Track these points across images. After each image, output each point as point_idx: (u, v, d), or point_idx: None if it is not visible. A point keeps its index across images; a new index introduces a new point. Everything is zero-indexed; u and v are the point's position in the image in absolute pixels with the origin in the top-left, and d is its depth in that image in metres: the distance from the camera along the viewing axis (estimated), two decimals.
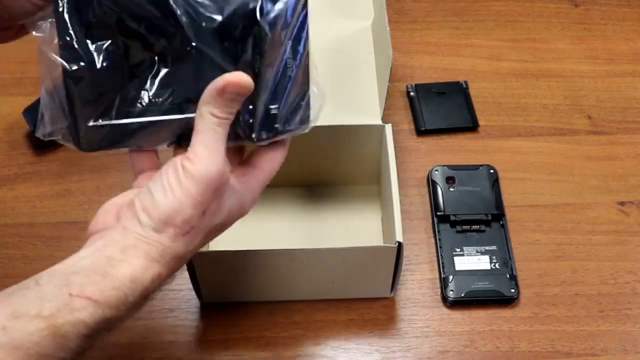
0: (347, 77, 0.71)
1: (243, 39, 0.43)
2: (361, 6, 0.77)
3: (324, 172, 0.73)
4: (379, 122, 0.67)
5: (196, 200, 0.43)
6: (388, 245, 0.60)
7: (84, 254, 0.44)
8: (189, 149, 0.43)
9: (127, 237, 0.43)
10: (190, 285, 0.65)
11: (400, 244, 0.59)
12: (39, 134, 0.47)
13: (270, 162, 0.49)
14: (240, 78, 0.42)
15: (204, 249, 0.67)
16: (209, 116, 0.43)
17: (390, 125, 0.67)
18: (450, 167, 0.76)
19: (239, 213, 0.47)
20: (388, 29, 0.64)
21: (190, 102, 0.45)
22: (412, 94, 0.83)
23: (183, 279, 0.67)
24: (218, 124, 0.43)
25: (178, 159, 0.43)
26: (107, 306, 0.41)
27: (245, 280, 0.65)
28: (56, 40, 0.44)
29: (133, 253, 0.43)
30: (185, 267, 0.61)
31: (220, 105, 0.43)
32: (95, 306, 0.41)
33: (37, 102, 0.78)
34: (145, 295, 0.44)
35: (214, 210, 0.44)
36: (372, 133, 0.68)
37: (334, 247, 0.61)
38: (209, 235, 0.46)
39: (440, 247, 0.70)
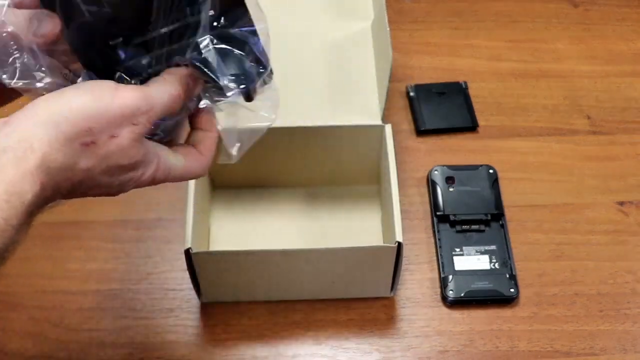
0: (347, 78, 0.71)
1: None
2: (361, 7, 0.77)
3: (324, 172, 0.73)
4: (379, 122, 0.67)
5: (112, 119, 0.39)
6: (388, 245, 0.60)
7: None
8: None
9: (10, 137, 0.38)
10: (191, 285, 0.65)
11: (400, 244, 0.60)
12: None
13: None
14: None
15: (203, 248, 0.67)
16: (169, 77, 0.43)
17: (390, 125, 0.67)
18: (450, 167, 0.76)
19: (142, 175, 0.43)
20: (388, 29, 0.64)
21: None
22: (411, 94, 0.83)
23: (183, 279, 0.67)
24: (171, 84, 0.43)
25: (110, 82, 0.41)
26: None
27: (245, 280, 0.65)
28: None
29: (9, 158, 0.37)
30: (185, 267, 0.61)
31: (183, 76, 0.43)
32: None
33: None
34: (29, 214, 0.38)
35: (124, 144, 0.40)
36: (372, 133, 0.68)
37: (333, 247, 0.61)
38: (104, 170, 0.41)
39: (440, 247, 0.71)
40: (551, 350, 0.65)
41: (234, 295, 0.67)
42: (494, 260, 0.70)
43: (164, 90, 0.43)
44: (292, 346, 0.65)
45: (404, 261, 0.68)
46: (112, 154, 0.40)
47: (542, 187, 0.77)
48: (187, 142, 0.48)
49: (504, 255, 0.70)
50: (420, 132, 0.80)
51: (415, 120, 0.81)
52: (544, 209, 0.75)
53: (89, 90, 0.40)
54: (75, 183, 0.40)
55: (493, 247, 0.71)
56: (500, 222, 0.72)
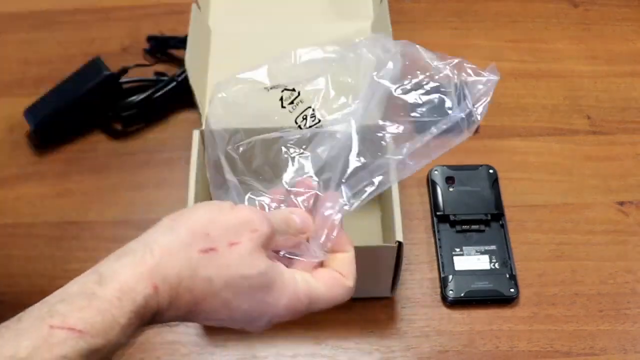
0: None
1: None
2: (361, 7, 0.77)
3: None
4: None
5: (230, 226, 0.40)
6: (388, 244, 0.60)
7: (81, 276, 0.39)
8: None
9: (136, 242, 0.40)
10: None
11: (400, 244, 0.60)
12: None
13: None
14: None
15: None
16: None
17: None
18: (450, 167, 0.76)
19: (283, 301, 0.42)
20: (390, 29, 0.64)
21: None
22: None
23: None
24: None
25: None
26: (91, 335, 0.35)
27: None
28: None
29: (126, 262, 0.38)
30: None
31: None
32: (78, 337, 0.35)
33: (38, 102, 0.79)
34: (139, 316, 0.37)
35: (244, 252, 0.40)
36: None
37: None
38: (227, 284, 0.40)
39: (440, 247, 0.71)
40: (551, 350, 0.65)
41: None
42: (494, 260, 0.70)
43: (282, 212, 0.45)
44: (292, 346, 0.65)
45: (404, 261, 0.68)
46: (233, 262, 0.40)
47: (542, 187, 0.77)
48: (323, 266, 0.46)
49: (504, 255, 0.70)
50: None
51: None
52: (544, 209, 0.75)
53: (210, 204, 0.42)
54: (196, 297, 0.39)
55: (493, 247, 0.71)
56: (500, 222, 0.72)
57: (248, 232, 0.41)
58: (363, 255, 0.61)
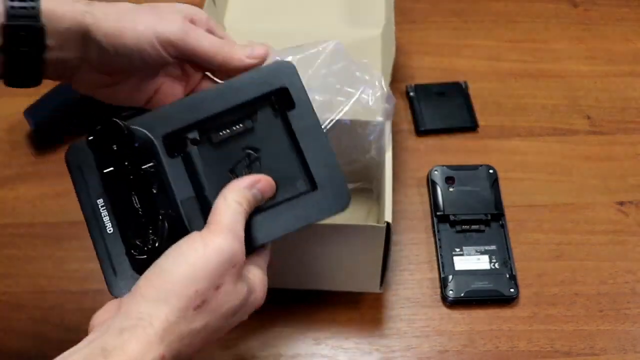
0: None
1: None
2: (374, 15, 0.77)
3: None
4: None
5: (214, 272, 0.41)
6: (376, 225, 0.58)
7: (77, 347, 0.39)
8: (208, 225, 0.43)
9: (127, 319, 0.40)
10: None
11: (388, 225, 0.57)
12: None
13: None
14: (269, 180, 0.47)
15: None
16: (233, 203, 0.44)
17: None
18: (450, 167, 0.76)
19: (254, 300, 0.46)
20: (394, 39, 0.63)
21: None
22: (411, 94, 0.83)
23: None
24: (240, 211, 0.44)
25: (195, 233, 0.43)
26: None
27: None
28: None
29: (131, 335, 0.39)
30: None
31: (244, 197, 0.45)
32: None
33: (38, 102, 0.79)
34: None
35: (230, 289, 0.42)
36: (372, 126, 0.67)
37: (322, 223, 0.59)
38: (219, 319, 0.43)
39: (440, 247, 0.71)
40: (551, 350, 0.65)
41: None
42: (494, 260, 0.70)
43: (234, 213, 0.44)
44: (292, 346, 0.65)
45: (404, 261, 0.68)
46: (224, 303, 0.42)
47: (542, 187, 0.77)
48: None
49: (504, 255, 0.70)
50: (420, 132, 0.81)
51: (415, 120, 0.82)
52: (544, 209, 0.75)
53: (180, 252, 0.42)
54: (195, 343, 0.42)
55: (493, 247, 0.71)
56: (500, 222, 0.72)
57: (229, 268, 0.42)
58: (349, 237, 0.59)
